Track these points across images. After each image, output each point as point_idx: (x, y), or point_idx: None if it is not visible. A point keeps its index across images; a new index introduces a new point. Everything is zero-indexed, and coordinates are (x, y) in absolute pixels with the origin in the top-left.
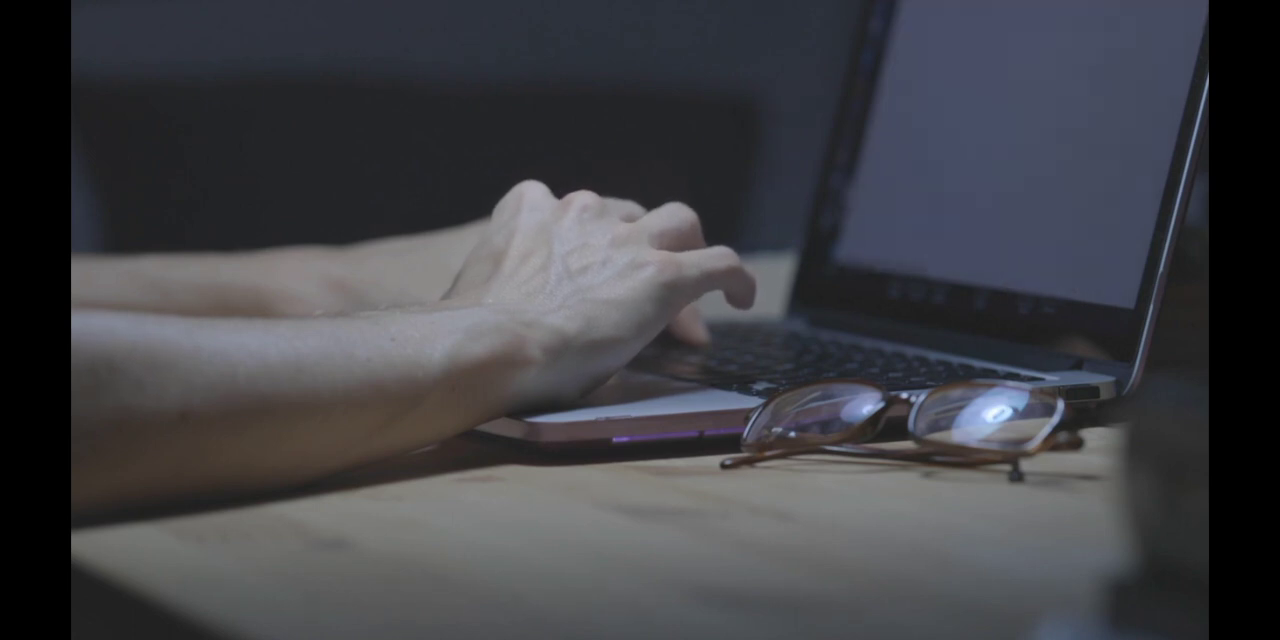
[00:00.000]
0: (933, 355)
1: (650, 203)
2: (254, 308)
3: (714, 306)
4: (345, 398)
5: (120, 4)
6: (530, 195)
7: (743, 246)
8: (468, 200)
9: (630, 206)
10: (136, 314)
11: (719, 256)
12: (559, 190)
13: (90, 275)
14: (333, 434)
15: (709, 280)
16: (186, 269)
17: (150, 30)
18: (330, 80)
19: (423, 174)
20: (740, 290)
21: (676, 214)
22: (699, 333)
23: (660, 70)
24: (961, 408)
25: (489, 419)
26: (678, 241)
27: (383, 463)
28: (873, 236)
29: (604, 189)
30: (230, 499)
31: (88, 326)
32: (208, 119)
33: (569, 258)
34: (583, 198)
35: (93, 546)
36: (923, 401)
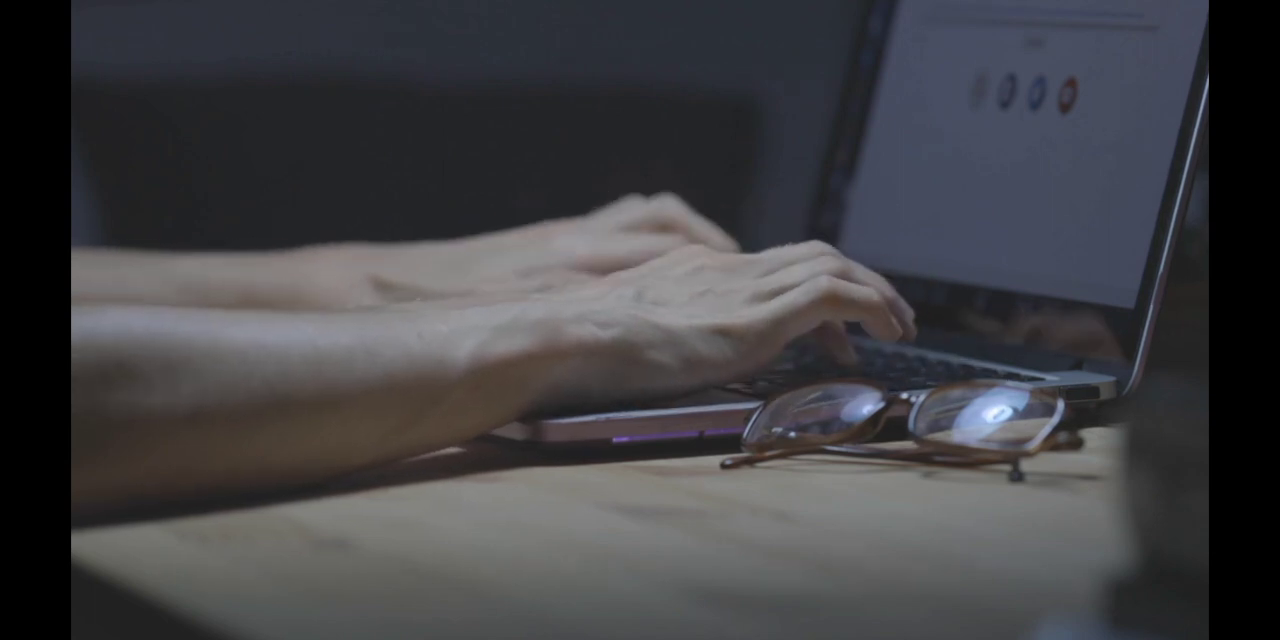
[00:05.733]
0: (933, 355)
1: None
2: (291, 308)
3: None
4: (364, 398)
5: (120, 4)
6: (679, 252)
7: (742, 246)
8: (468, 200)
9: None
10: (154, 309)
11: (806, 309)
12: (560, 191)
13: (123, 276)
14: (351, 434)
15: (787, 331)
16: (224, 272)
17: (150, 30)
18: (330, 80)
19: (423, 174)
20: (871, 327)
21: (808, 292)
22: (847, 355)
23: (660, 70)
24: (961, 408)
25: (515, 417)
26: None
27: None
28: (873, 236)
29: (604, 189)
30: (232, 499)
31: (99, 324)
32: (208, 119)
33: (648, 289)
34: (707, 257)
35: (93, 546)
36: (923, 401)
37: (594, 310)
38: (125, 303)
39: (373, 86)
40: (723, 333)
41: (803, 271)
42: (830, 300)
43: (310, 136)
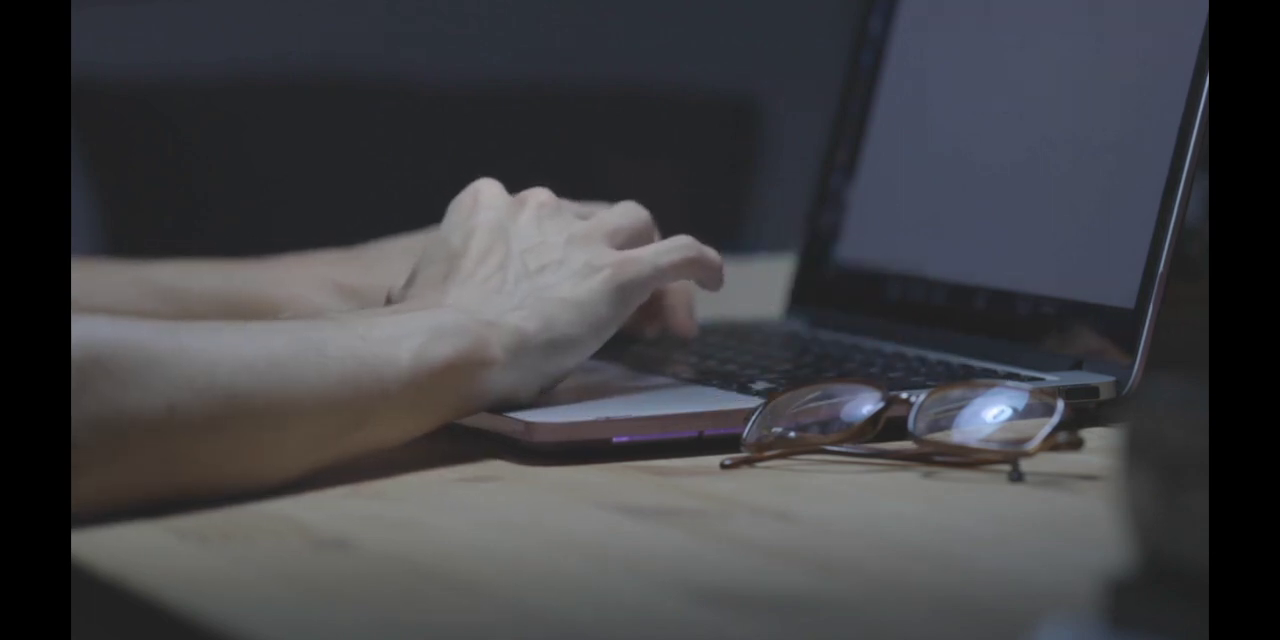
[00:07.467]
0: (933, 355)
1: (650, 203)
2: (268, 317)
3: (716, 306)
4: (321, 395)
5: (120, 4)
6: (486, 193)
7: (743, 246)
8: None
9: (582, 205)
10: (113, 316)
11: (673, 250)
12: (559, 192)
13: (103, 283)
14: (306, 433)
15: (663, 276)
16: (201, 279)
17: (150, 30)
18: (330, 80)
19: (423, 174)
20: (703, 276)
21: (630, 213)
22: (690, 325)
23: (660, 70)
24: (961, 408)
25: (453, 419)
26: (632, 239)
27: (384, 463)
28: (872, 236)
29: (604, 189)
30: (232, 499)
31: (72, 327)
32: (208, 119)
33: (527, 256)
34: (539, 195)
35: (93, 546)
36: (923, 401)
37: (506, 308)
38: (88, 310)
39: (373, 86)
40: (617, 288)
41: (620, 209)
42: (694, 262)
43: (310, 136)
